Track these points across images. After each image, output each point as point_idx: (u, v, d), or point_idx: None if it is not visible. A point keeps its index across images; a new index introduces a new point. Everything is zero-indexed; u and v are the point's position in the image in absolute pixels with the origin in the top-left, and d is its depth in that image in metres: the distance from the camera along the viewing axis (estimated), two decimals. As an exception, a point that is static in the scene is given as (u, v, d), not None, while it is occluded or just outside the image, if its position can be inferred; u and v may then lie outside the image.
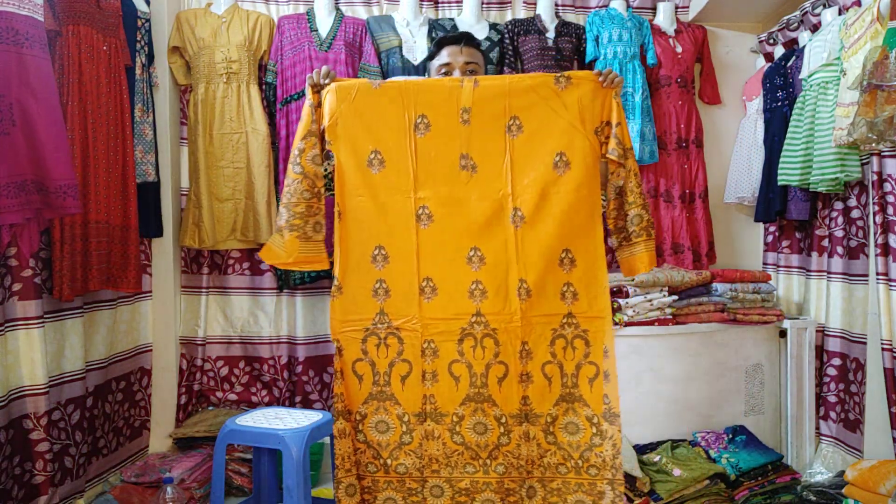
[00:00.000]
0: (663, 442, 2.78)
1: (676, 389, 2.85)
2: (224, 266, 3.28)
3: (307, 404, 3.22)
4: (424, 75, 2.66)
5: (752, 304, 2.96)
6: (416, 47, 3.15)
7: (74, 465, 2.48)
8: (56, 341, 2.43)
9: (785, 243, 3.25)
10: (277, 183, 3.12)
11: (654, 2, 3.43)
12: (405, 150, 1.85)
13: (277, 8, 3.32)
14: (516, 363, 1.86)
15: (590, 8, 3.41)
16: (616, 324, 2.77)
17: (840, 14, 2.74)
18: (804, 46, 2.91)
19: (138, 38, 2.88)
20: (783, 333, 2.95)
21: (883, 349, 2.43)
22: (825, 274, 2.95)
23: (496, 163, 1.85)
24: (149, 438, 3.06)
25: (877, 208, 2.47)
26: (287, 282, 3.17)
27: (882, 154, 2.45)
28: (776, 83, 3.10)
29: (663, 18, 3.38)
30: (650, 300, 2.80)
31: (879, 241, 2.46)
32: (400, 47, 3.13)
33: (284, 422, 2.36)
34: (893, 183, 2.43)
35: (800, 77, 2.89)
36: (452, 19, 3.26)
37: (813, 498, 2.48)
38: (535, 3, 3.29)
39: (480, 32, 3.20)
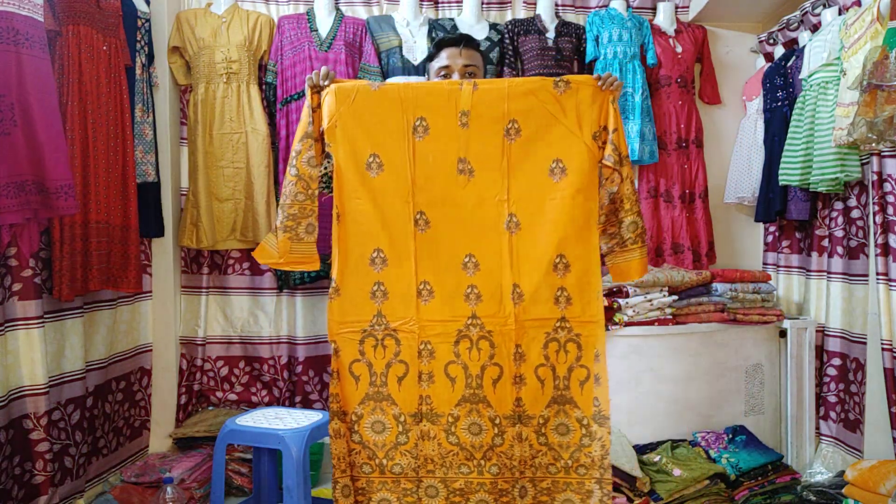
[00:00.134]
0: (663, 442, 2.78)
1: (676, 389, 2.85)
2: (224, 266, 3.28)
3: (307, 404, 3.22)
4: (424, 75, 2.66)
5: (752, 304, 2.96)
6: (416, 47, 3.15)
7: (74, 465, 2.48)
8: (56, 341, 2.43)
9: (785, 243, 3.24)
10: (277, 183, 3.12)
11: (654, 2, 3.42)
12: (404, 154, 1.86)
13: (277, 8, 3.32)
14: (510, 365, 1.87)
15: (590, 8, 3.41)
16: (616, 324, 2.77)
17: (840, 14, 2.74)
18: (804, 46, 2.90)
19: (138, 38, 2.88)
20: (783, 333, 2.95)
21: (883, 349, 2.43)
22: (825, 274, 2.94)
23: (494, 167, 1.86)
24: (149, 438, 3.07)
25: (877, 208, 2.47)
26: (287, 282, 3.17)
27: (882, 154, 2.44)
28: (776, 83, 3.10)
29: (663, 18, 3.38)
30: (650, 300, 2.80)
31: (879, 241, 2.46)
32: (400, 47, 3.13)
33: (284, 422, 2.37)
34: (893, 183, 2.42)
35: (800, 77, 2.88)
36: (452, 19, 3.26)
37: (813, 498, 2.48)
38: (535, 3, 3.29)
39: (480, 32, 3.20)
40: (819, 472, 2.69)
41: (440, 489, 1.88)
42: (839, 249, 2.83)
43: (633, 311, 2.78)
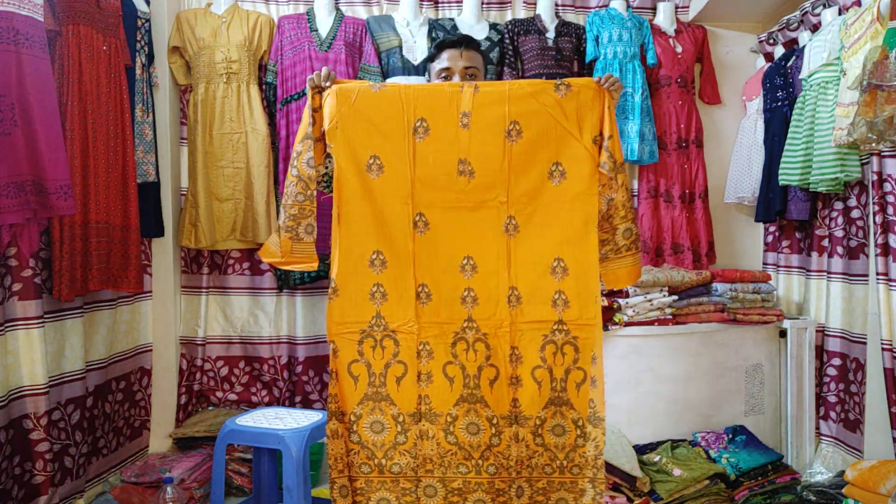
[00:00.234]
0: (663, 442, 2.78)
1: (676, 389, 2.85)
2: (224, 266, 3.28)
3: (307, 404, 3.22)
4: (424, 75, 2.66)
5: (752, 304, 2.96)
6: (416, 47, 3.15)
7: (74, 465, 2.48)
8: (56, 341, 2.43)
9: (785, 243, 3.24)
10: (277, 183, 3.13)
11: (654, 2, 3.42)
12: (404, 156, 1.86)
13: (277, 8, 3.32)
14: (506, 367, 1.88)
15: (590, 8, 3.41)
16: (616, 324, 2.77)
17: (840, 14, 2.74)
18: (804, 46, 2.90)
19: (138, 38, 2.88)
20: (783, 333, 2.95)
21: (883, 349, 2.43)
22: (825, 274, 2.94)
23: (494, 168, 1.86)
24: (149, 438, 3.07)
25: (877, 208, 2.47)
26: (287, 282, 3.17)
27: (882, 154, 2.44)
28: (776, 83, 3.10)
29: (663, 18, 3.38)
30: (650, 300, 2.80)
31: (879, 241, 2.46)
32: (400, 47, 3.13)
33: (284, 422, 2.37)
34: (893, 183, 2.42)
35: (800, 77, 2.88)
36: (452, 19, 3.26)
37: (813, 498, 2.48)
38: (535, 3, 3.29)
39: (480, 32, 3.20)
40: (819, 472, 2.69)
41: (438, 489, 1.89)
42: (839, 249, 2.83)
43: (633, 311, 2.79)
